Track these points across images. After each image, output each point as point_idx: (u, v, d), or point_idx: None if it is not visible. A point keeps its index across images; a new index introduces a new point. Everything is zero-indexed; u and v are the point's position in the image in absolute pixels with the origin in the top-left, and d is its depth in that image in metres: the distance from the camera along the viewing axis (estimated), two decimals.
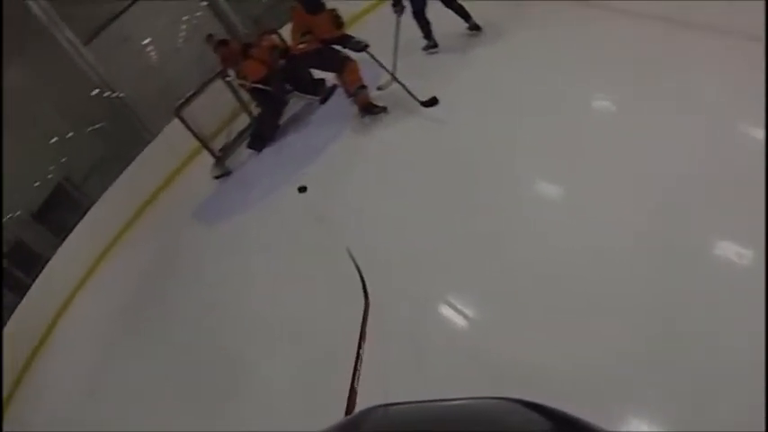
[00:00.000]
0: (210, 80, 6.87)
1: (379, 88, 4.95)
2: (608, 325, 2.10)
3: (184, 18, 9.90)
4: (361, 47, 4.67)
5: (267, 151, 6.41)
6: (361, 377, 1.26)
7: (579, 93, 3.52)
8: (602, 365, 1.98)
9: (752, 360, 1.65)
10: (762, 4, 2.64)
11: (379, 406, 0.68)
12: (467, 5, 4.95)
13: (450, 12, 4.97)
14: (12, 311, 7.24)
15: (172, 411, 3.63)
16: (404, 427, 0.63)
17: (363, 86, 4.91)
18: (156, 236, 7.10)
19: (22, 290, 7.69)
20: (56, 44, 8.67)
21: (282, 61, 6.20)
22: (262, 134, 6.54)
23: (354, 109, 5.06)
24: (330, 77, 5.65)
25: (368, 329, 1.47)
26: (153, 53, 9.89)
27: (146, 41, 9.77)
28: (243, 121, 7.39)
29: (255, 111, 7.00)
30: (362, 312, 1.60)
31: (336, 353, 1.79)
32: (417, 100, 4.47)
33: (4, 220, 8.92)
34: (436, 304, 2.80)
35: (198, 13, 9.81)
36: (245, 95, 7.02)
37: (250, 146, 6.60)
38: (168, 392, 3.92)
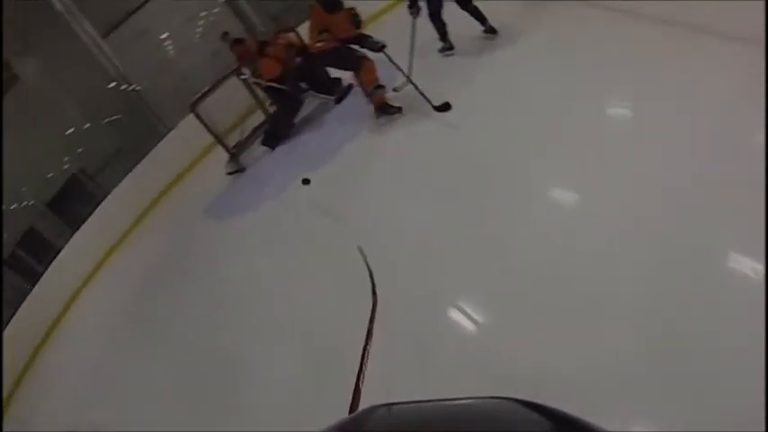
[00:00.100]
0: (225, 77, 6.91)
1: (395, 89, 4.93)
2: (615, 328, 2.10)
3: (202, 14, 9.95)
4: (379, 47, 4.66)
5: (281, 149, 6.41)
6: (366, 377, 1.25)
7: (591, 94, 3.49)
8: (608, 366, 1.97)
9: (752, 360, 1.64)
10: (762, 5, 2.63)
11: (380, 405, 0.68)
12: (482, 6, 4.92)
13: (466, 14, 4.94)
14: (17, 307, 7.27)
15: (175, 409, 3.63)
16: (404, 426, 0.63)
17: (380, 86, 4.90)
18: (168, 230, 7.14)
19: (33, 277, 7.76)
20: (74, 36, 8.74)
21: (300, 59, 6.19)
22: (276, 132, 6.54)
23: (371, 109, 5.05)
24: (346, 77, 5.65)
25: (374, 329, 1.47)
26: (170, 48, 9.95)
27: (163, 36, 9.83)
28: (258, 117, 7.41)
29: (271, 108, 7.01)
30: (370, 312, 1.59)
31: (342, 352, 1.78)
32: (431, 104, 4.45)
33: (18, 207, 9.02)
34: (443, 305, 2.78)
35: (215, 10, 9.86)
36: (261, 93, 7.03)
37: (264, 143, 6.61)
38: (173, 390, 3.93)
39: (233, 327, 4.02)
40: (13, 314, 7.13)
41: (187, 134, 7.83)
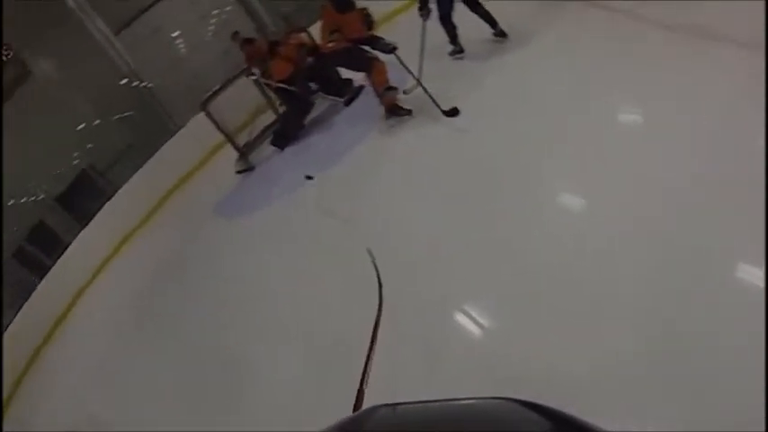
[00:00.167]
0: (235, 77, 6.92)
1: (405, 92, 4.92)
2: (615, 328, 2.10)
3: (214, 12, 9.99)
4: (390, 49, 4.65)
5: (291, 149, 6.41)
6: (370, 378, 1.24)
7: (598, 96, 3.48)
8: (608, 366, 1.97)
9: (752, 360, 1.64)
10: (762, 5, 2.62)
11: (382, 405, 0.68)
12: (491, 7, 4.90)
13: (476, 17, 4.92)
14: (24, 301, 7.30)
15: (178, 408, 3.63)
16: (405, 426, 0.64)
17: (392, 87, 4.88)
18: (176, 228, 7.16)
19: (41, 271, 7.80)
20: (87, 33, 8.79)
21: (311, 59, 6.19)
22: (285, 133, 6.54)
23: (380, 111, 5.04)
24: (358, 77, 5.64)
25: (380, 330, 1.45)
26: (182, 45, 9.99)
27: (175, 33, 9.87)
28: (269, 116, 7.41)
29: (282, 108, 7.01)
30: (376, 313, 1.58)
31: (347, 354, 1.77)
32: (440, 108, 4.43)
33: (28, 201, 9.08)
34: (452, 308, 2.77)
35: (228, 8, 9.89)
36: (272, 92, 7.03)
37: (273, 143, 6.62)
38: (176, 388, 3.93)
39: (238, 326, 4.02)
40: (19, 309, 7.17)
41: (197, 132, 7.85)
